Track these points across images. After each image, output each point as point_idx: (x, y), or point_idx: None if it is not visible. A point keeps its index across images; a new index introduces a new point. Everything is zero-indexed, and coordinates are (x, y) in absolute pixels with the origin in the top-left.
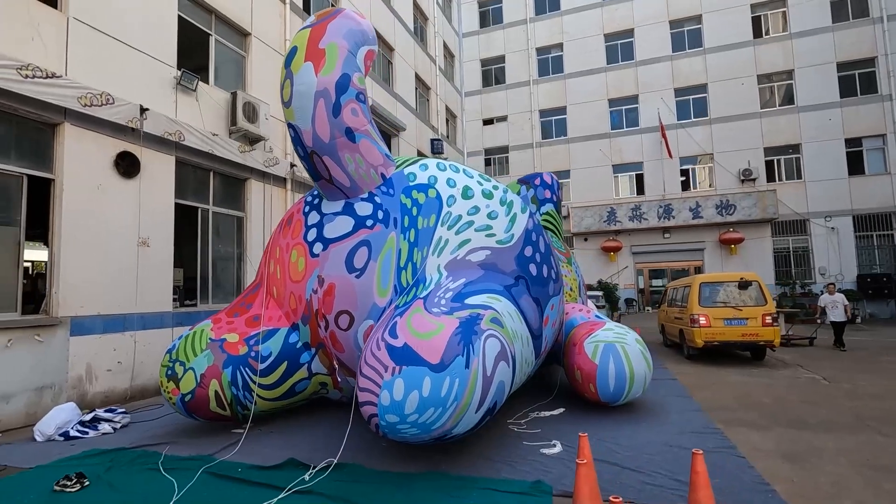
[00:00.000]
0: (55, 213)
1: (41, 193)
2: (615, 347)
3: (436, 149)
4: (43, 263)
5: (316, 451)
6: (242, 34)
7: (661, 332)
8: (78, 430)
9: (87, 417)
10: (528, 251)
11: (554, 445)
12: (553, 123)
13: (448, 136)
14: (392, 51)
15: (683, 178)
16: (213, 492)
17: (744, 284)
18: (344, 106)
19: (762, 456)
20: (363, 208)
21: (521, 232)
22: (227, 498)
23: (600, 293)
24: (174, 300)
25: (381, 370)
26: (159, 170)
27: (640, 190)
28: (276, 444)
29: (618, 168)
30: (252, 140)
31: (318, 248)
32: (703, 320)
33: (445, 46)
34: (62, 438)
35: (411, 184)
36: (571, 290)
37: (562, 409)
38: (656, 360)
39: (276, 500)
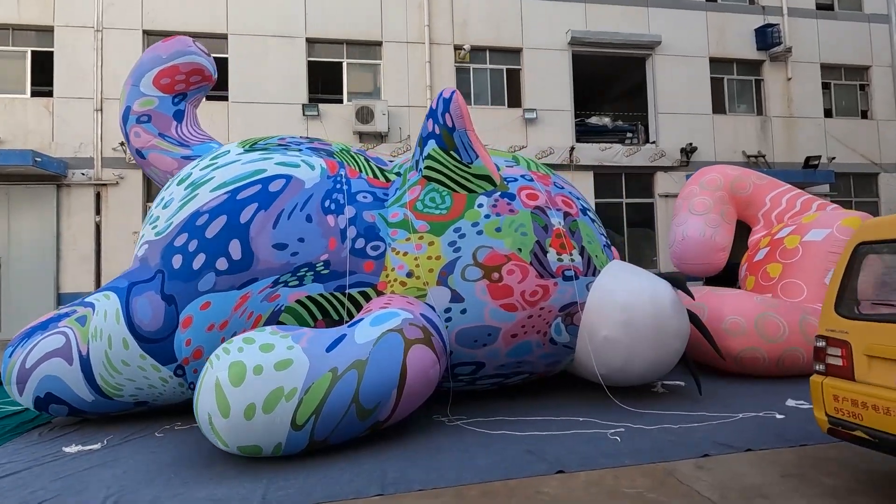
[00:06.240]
0: None
1: None
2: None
3: (772, 40)
4: None
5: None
6: (375, 45)
7: None
8: None
9: None
10: (181, 240)
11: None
12: None
13: (834, 3)
14: None
15: None
16: None
17: None
18: (129, 133)
19: None
20: None
21: (182, 217)
22: None
23: None
24: None
25: None
26: None
27: None
28: None
29: None
30: (375, 137)
31: None
32: (837, 357)
33: None
34: None
35: None
36: (412, 275)
37: None
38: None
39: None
